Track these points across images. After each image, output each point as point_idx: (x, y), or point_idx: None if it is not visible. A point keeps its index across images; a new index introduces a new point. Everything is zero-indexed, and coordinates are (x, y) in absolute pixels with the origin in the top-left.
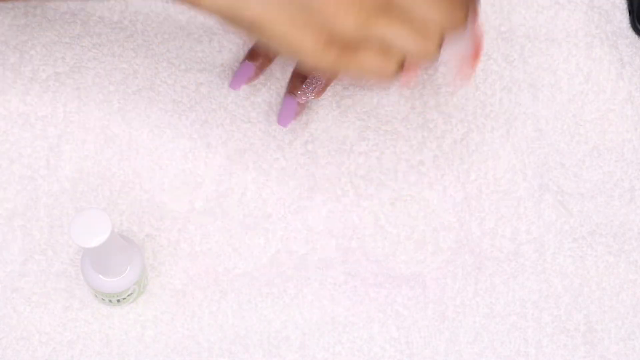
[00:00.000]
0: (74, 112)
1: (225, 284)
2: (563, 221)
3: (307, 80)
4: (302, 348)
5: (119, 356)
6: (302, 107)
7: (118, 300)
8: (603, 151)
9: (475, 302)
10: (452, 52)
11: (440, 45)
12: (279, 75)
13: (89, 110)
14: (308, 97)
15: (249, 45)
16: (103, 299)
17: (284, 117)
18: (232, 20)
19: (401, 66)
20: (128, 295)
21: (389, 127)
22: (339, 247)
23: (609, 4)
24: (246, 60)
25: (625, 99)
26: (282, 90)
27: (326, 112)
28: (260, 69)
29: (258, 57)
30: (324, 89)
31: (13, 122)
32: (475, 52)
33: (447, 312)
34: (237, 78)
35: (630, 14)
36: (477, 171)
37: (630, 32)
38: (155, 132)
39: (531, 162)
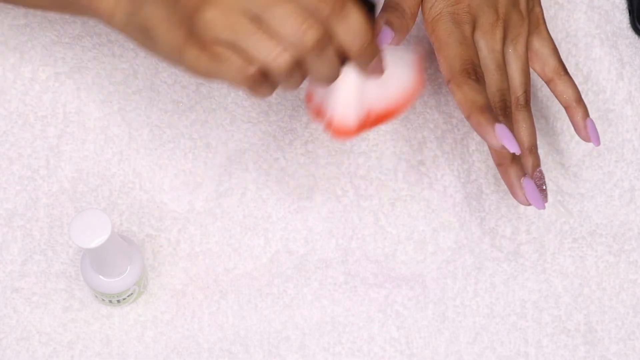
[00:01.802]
0: (74, 112)
1: (225, 284)
2: (563, 221)
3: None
4: (302, 348)
5: (119, 356)
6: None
7: (118, 301)
8: (603, 151)
9: (475, 302)
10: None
11: (331, 67)
12: None
13: (89, 110)
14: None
15: None
16: (103, 300)
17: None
18: (133, 31)
19: (262, 75)
20: (128, 296)
21: (389, 127)
22: (339, 247)
23: (609, 4)
24: None
25: (625, 99)
26: (281, 90)
27: None
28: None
29: None
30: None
31: (13, 122)
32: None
33: (447, 312)
34: None
35: (630, 14)
36: (477, 171)
37: (630, 32)
38: (155, 132)
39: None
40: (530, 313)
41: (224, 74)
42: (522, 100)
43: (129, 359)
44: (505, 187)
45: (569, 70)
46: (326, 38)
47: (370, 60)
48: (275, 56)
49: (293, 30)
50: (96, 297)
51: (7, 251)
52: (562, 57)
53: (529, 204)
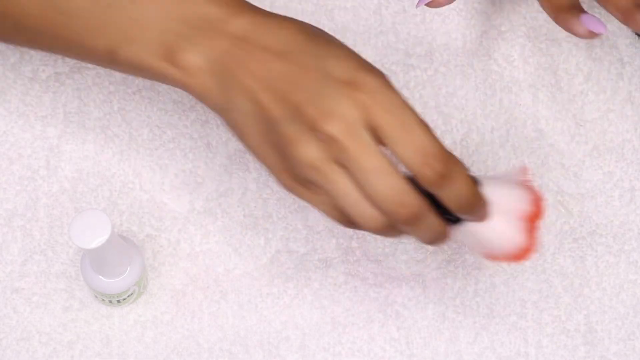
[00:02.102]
0: (74, 112)
1: (226, 284)
2: (563, 221)
3: None
4: (302, 348)
5: (119, 356)
6: None
7: (118, 301)
8: (603, 151)
9: (475, 302)
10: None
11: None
12: None
13: (89, 110)
14: None
15: None
16: (103, 300)
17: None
18: (217, 111)
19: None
20: (128, 296)
21: None
22: (339, 247)
23: None
24: None
25: (625, 99)
26: None
27: None
28: None
29: None
30: None
31: (13, 122)
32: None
33: (447, 312)
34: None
35: None
36: (477, 171)
37: (630, 32)
38: (155, 132)
39: (531, 162)
40: (530, 313)
41: (315, 206)
42: None
43: (129, 359)
44: None
45: (569, 71)
46: (424, 212)
47: (476, 214)
48: (369, 219)
49: (390, 204)
50: (96, 297)
51: (7, 251)
52: (562, 56)
53: (592, 35)
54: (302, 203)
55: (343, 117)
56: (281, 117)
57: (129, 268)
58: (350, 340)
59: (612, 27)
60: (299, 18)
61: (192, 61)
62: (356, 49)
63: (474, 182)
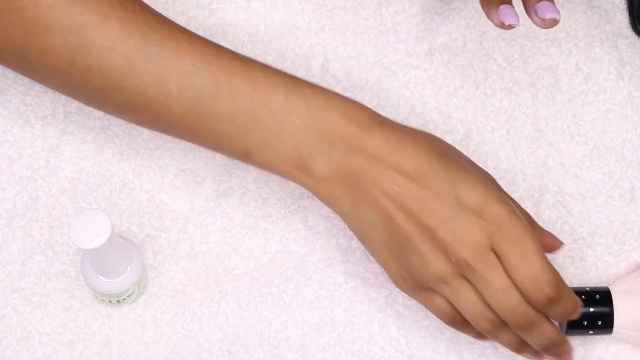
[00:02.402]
0: (74, 112)
1: (225, 285)
2: (563, 221)
3: None
4: (302, 348)
5: (119, 357)
6: None
7: (118, 301)
8: (603, 151)
9: None
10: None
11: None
12: None
13: (89, 110)
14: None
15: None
16: (103, 300)
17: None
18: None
19: (464, 324)
20: (128, 296)
21: None
22: (339, 247)
23: (609, 4)
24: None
25: (625, 99)
26: None
27: None
28: None
29: None
30: None
31: (13, 122)
32: None
33: None
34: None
35: (630, 14)
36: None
37: (630, 32)
38: (155, 132)
39: (531, 162)
40: None
41: (428, 306)
42: None
43: (128, 359)
44: (505, 187)
45: (569, 71)
46: (540, 320)
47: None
48: (481, 321)
49: (511, 315)
50: (96, 297)
51: (7, 251)
52: (562, 57)
53: (504, 26)
54: (302, 203)
55: (472, 243)
56: (415, 236)
57: (128, 268)
58: (350, 340)
59: (612, 27)
60: (299, 18)
61: (324, 171)
62: (356, 49)
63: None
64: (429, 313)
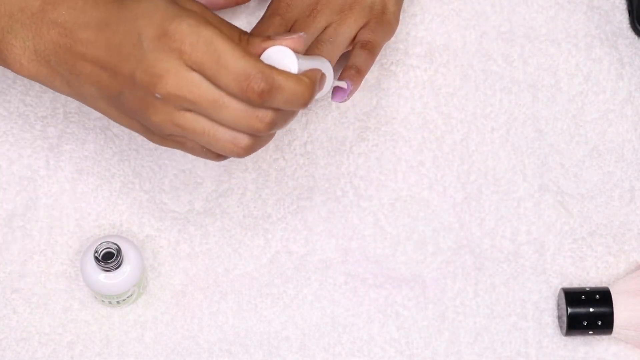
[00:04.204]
0: (74, 112)
1: (225, 285)
2: (563, 221)
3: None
4: (302, 348)
5: (119, 357)
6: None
7: (118, 302)
8: (603, 151)
9: (475, 303)
10: None
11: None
12: None
13: (89, 110)
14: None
15: None
16: (103, 300)
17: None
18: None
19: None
20: (128, 297)
21: (388, 127)
22: (338, 248)
23: (609, 4)
24: None
25: (625, 99)
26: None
27: (325, 112)
28: None
29: None
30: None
31: (13, 122)
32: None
33: (447, 313)
34: None
35: (630, 14)
36: (477, 171)
37: (630, 32)
38: None
39: (531, 162)
40: (530, 314)
41: (188, 152)
42: None
43: (128, 359)
44: (505, 187)
45: (569, 71)
46: (271, 123)
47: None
48: (232, 149)
49: (240, 122)
50: (96, 297)
51: (7, 251)
52: (562, 57)
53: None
54: (302, 204)
55: (168, 72)
56: (121, 90)
57: (128, 268)
58: (350, 340)
59: (612, 27)
60: None
61: (24, 56)
62: None
63: None
64: (429, 313)
